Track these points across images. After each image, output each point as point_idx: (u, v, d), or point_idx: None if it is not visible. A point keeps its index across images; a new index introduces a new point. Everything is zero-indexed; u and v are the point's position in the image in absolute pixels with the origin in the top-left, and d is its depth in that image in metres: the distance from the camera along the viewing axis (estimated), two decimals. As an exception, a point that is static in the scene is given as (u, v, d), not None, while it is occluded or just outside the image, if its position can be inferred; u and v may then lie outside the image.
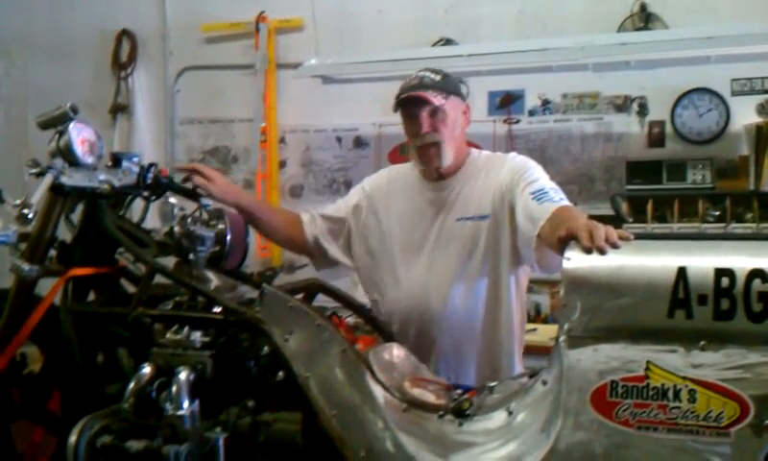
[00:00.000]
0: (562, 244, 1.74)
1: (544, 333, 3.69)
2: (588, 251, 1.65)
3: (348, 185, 4.51)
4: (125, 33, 4.94)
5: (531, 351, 2.59)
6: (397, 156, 4.38)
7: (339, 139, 4.64)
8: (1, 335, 2.11)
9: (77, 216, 2.20)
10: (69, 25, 5.02)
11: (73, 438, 1.77)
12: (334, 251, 2.56)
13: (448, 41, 4.36)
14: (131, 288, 2.23)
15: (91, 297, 2.24)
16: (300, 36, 4.65)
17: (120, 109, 4.90)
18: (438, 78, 2.38)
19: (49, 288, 2.13)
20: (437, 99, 2.31)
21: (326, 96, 4.54)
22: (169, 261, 2.12)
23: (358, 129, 4.59)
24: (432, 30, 4.40)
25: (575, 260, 1.66)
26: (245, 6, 4.65)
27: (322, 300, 2.26)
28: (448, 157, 2.37)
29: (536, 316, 3.93)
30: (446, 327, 2.34)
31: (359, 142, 4.60)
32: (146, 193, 2.29)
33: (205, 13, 4.79)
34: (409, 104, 2.34)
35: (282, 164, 4.74)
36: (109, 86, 4.93)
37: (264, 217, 2.53)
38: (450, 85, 2.40)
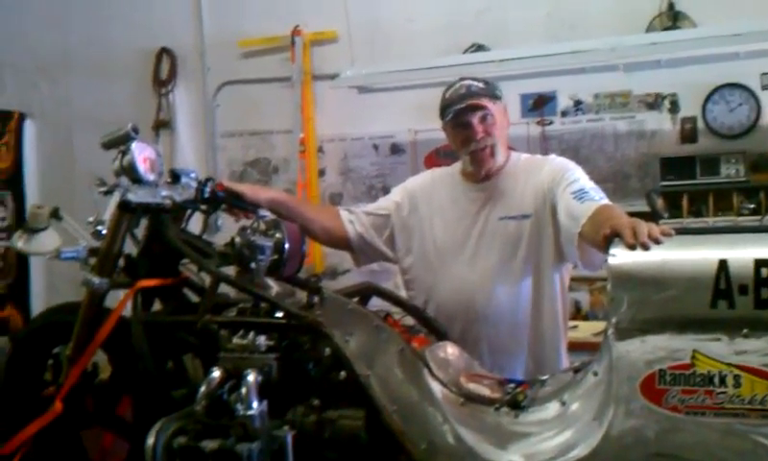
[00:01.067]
0: (606, 242, 1.82)
1: (585, 330, 3.77)
2: (633, 247, 1.74)
3: (387, 191, 4.55)
4: (164, 50, 5.11)
5: (573, 347, 2.66)
6: (434, 160, 4.48)
7: (376, 147, 4.75)
8: (74, 346, 2.25)
9: (140, 231, 2.34)
10: (109, 44, 5.19)
11: (151, 440, 1.87)
12: (379, 244, 2.63)
13: (479, 47, 4.45)
14: (193, 298, 2.36)
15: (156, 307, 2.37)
16: (334, 47, 4.76)
17: (162, 126, 5.06)
18: (482, 85, 2.49)
19: (118, 300, 2.27)
20: (489, 104, 2.44)
21: (362, 105, 4.67)
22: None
23: (394, 136, 4.70)
24: (462, 36, 4.49)
25: (620, 257, 1.74)
26: (280, 20, 4.78)
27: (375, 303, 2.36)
28: (501, 157, 2.50)
29: (576, 313, 4.01)
30: (492, 324, 2.42)
31: (395, 149, 4.71)
32: (204, 207, 2.41)
33: (242, 29, 4.93)
34: (461, 113, 2.44)
35: (321, 173, 4.87)
36: (151, 103, 5.09)
37: (300, 210, 2.59)
38: (493, 90, 2.51)
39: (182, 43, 5.11)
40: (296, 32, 4.76)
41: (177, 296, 2.34)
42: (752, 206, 3.82)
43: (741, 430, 1.57)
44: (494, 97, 2.49)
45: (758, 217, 3.74)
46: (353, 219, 2.65)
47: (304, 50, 4.78)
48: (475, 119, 2.44)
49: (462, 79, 2.53)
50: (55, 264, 5.04)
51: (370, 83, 4.51)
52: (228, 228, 2.40)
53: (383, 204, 2.70)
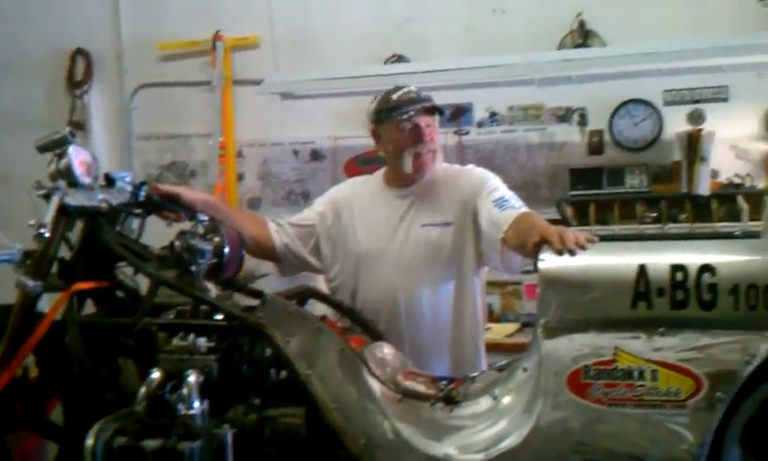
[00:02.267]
0: (536, 248, 1.95)
1: (498, 331, 3.95)
2: (560, 253, 1.87)
3: (306, 197, 4.70)
4: (79, 51, 5.02)
5: (487, 348, 2.77)
6: (353, 167, 4.58)
7: (296, 152, 4.80)
8: (6, 348, 2.22)
9: (75, 234, 2.33)
10: (24, 44, 5.08)
11: (90, 441, 1.87)
12: (305, 254, 2.68)
13: (400, 57, 4.58)
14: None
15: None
16: (255, 53, 4.81)
17: (76, 127, 4.95)
18: (426, 94, 2.61)
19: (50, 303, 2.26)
20: (435, 120, 2.59)
21: (283, 111, 4.71)
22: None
23: (314, 142, 4.76)
24: (384, 46, 4.60)
25: (549, 261, 1.87)
26: (201, 24, 4.79)
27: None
28: (439, 163, 2.62)
29: (489, 316, 4.16)
30: (415, 326, 2.51)
31: (316, 155, 4.77)
32: (139, 210, 2.42)
33: (161, 32, 4.90)
34: (417, 113, 2.53)
35: (240, 177, 4.89)
36: (65, 104, 5.00)
37: (231, 216, 2.60)
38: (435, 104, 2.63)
39: (99, 44, 5.04)
40: (217, 36, 4.78)
41: (110, 299, 2.34)
42: (654, 214, 4.06)
43: (658, 420, 1.72)
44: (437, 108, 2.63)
45: (659, 225, 3.99)
46: (279, 230, 2.69)
47: (225, 55, 4.79)
48: (424, 123, 2.54)
49: (402, 86, 2.63)
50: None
51: (293, 90, 4.56)
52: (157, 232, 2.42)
53: (308, 214, 2.75)
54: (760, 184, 4.10)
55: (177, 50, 4.90)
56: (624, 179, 4.22)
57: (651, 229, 3.98)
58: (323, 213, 2.70)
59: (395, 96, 2.58)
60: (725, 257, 1.74)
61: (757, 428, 1.76)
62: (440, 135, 4.32)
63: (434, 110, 2.59)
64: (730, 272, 1.71)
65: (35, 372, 2.38)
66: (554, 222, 2.18)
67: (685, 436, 1.70)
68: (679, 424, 1.70)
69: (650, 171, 4.21)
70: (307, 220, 2.72)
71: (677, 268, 1.73)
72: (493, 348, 3.00)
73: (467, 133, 4.55)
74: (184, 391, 1.91)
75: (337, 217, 2.68)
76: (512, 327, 4.13)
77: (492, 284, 4.14)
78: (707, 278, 1.71)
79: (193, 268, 2.14)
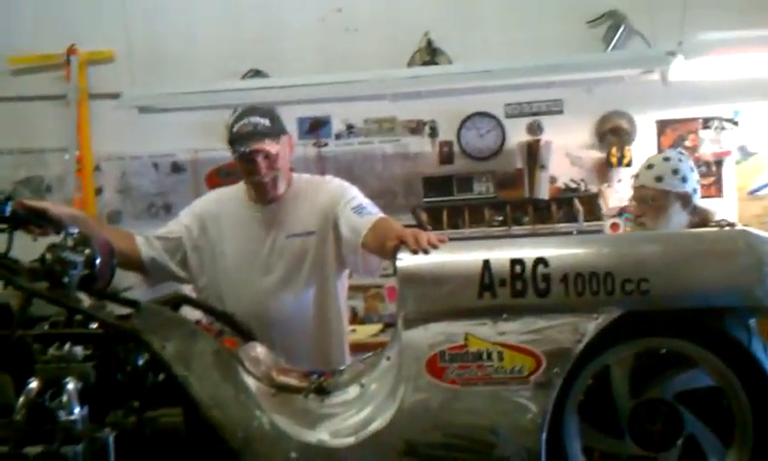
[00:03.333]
0: (394, 249, 2.14)
1: (363, 332, 4.14)
2: (416, 252, 2.07)
3: (168, 209, 4.74)
4: None
5: (354, 348, 2.96)
6: (214, 179, 4.65)
7: (156, 165, 4.83)
8: None
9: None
10: None
11: (-32, 452, 1.92)
12: (173, 267, 2.75)
13: (257, 72, 4.70)
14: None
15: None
16: (111, 66, 4.81)
17: None
18: (268, 122, 2.66)
19: None
20: (273, 147, 2.63)
21: (142, 124, 4.72)
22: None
23: (174, 155, 4.81)
24: (241, 61, 4.73)
25: (406, 260, 2.06)
26: (54, 38, 4.74)
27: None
28: (282, 187, 2.72)
29: (353, 318, 4.35)
30: (283, 329, 2.65)
31: (176, 167, 4.81)
32: (5, 225, 2.43)
33: (12, 45, 4.81)
34: (252, 146, 2.60)
35: (99, 191, 4.85)
36: None
37: (98, 230, 2.58)
38: (278, 127, 2.70)
39: (-56, 57, 4.86)
40: (71, 50, 4.73)
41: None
42: (500, 218, 4.39)
43: (506, 395, 1.93)
44: (278, 134, 2.68)
45: (506, 227, 4.31)
46: (146, 243, 2.74)
47: (80, 69, 4.75)
48: (259, 157, 2.62)
49: (251, 110, 2.69)
50: None
51: (152, 103, 4.57)
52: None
53: (174, 227, 2.80)
54: (594, 188, 4.51)
55: (29, 64, 4.81)
56: (473, 186, 4.54)
57: (498, 231, 4.29)
58: (189, 226, 2.78)
59: (235, 128, 2.65)
60: (556, 251, 1.98)
61: (593, 399, 2.00)
62: (299, 147, 4.62)
63: (277, 136, 2.66)
64: (560, 263, 1.95)
65: None
66: (411, 227, 2.40)
67: (530, 408, 1.91)
68: (523, 397, 1.92)
69: (495, 178, 4.54)
70: (173, 233, 2.78)
71: (515, 262, 1.95)
72: (359, 347, 3.16)
73: (325, 145, 4.73)
74: (64, 398, 1.96)
75: (203, 230, 2.76)
76: (375, 327, 4.34)
77: (355, 288, 4.32)
78: (541, 269, 1.94)
79: (65, 279, 2.17)
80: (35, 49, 4.80)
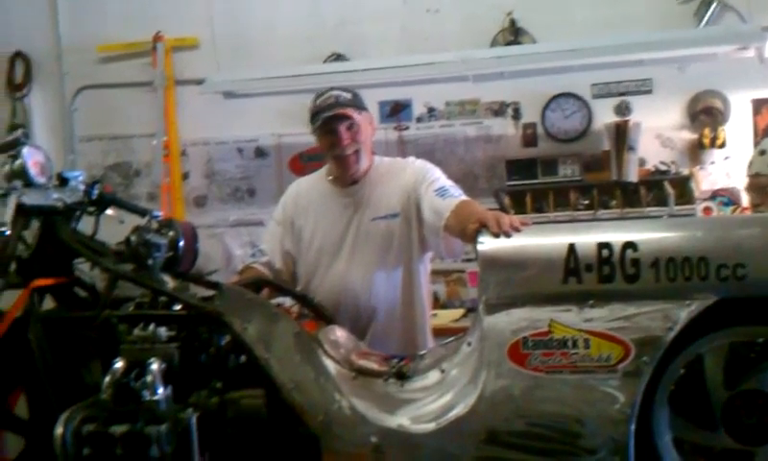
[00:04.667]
0: (475, 233, 2.09)
1: (444, 317, 4.10)
2: (497, 235, 2.02)
3: (252, 193, 4.80)
4: (18, 54, 5.00)
5: (435, 332, 2.92)
6: (297, 164, 4.68)
7: (240, 150, 4.88)
8: (-34, 348, 2.27)
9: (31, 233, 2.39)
10: (-40, 48, 5.03)
11: (60, 429, 1.95)
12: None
13: (339, 56, 4.69)
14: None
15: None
16: (196, 53, 4.86)
17: (17, 130, 4.93)
18: (349, 96, 2.68)
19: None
20: (355, 116, 2.63)
21: (226, 110, 4.78)
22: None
23: (258, 140, 4.85)
24: (323, 45, 4.71)
25: (487, 244, 2.02)
26: (140, 26, 4.82)
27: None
28: (365, 162, 2.70)
29: (435, 303, 4.31)
30: (374, 312, 2.64)
31: (260, 152, 4.86)
32: (92, 208, 2.49)
33: (101, 34, 4.92)
34: (329, 121, 2.62)
35: (185, 176, 4.94)
36: (5, 108, 4.96)
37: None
38: (360, 102, 2.71)
39: (38, 47, 5.03)
40: (157, 37, 4.82)
41: (69, 295, 2.41)
42: (586, 202, 4.27)
43: (591, 384, 1.87)
44: (360, 108, 2.69)
45: (592, 212, 4.20)
46: (272, 265, 2.74)
47: (166, 55, 4.83)
48: (342, 127, 2.62)
49: (331, 88, 2.72)
50: None
51: (235, 89, 4.63)
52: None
53: (268, 236, 2.83)
54: (685, 171, 4.35)
55: (117, 51, 4.93)
56: (557, 168, 4.42)
57: (584, 215, 4.18)
58: (280, 223, 2.81)
59: (317, 101, 2.67)
60: (646, 235, 1.91)
61: (685, 389, 1.92)
62: (380, 131, 4.59)
63: (359, 109, 2.66)
64: (650, 247, 1.87)
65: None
66: (493, 211, 2.34)
67: (617, 398, 1.85)
68: (611, 387, 1.86)
69: (581, 160, 4.41)
70: (275, 235, 2.80)
71: (603, 246, 1.89)
72: (441, 332, 3.12)
73: (406, 129, 4.69)
74: (148, 378, 2.00)
75: (291, 224, 2.78)
76: (457, 312, 4.29)
77: (437, 273, 4.32)
78: (630, 253, 1.87)
79: (149, 261, 2.22)
80: (122, 37, 4.90)
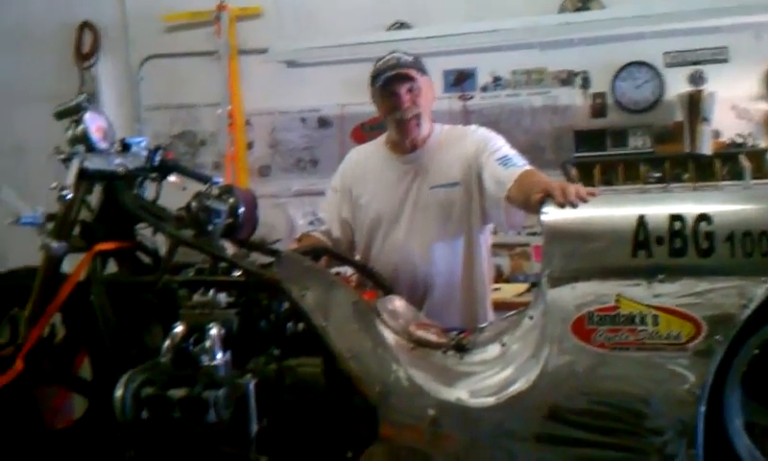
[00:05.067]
0: (539, 203, 2.02)
1: (508, 291, 4.03)
2: (563, 205, 1.95)
3: (315, 163, 4.79)
4: (86, 24, 5.06)
5: (497, 307, 2.87)
6: (360, 134, 4.64)
7: (303, 120, 4.86)
8: (33, 308, 2.31)
9: (94, 197, 2.41)
10: (30, 18, 5.11)
11: (120, 391, 1.97)
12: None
13: (402, 24, 4.62)
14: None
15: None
16: (259, 22, 4.84)
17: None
18: (411, 59, 2.63)
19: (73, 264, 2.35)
20: (417, 77, 2.57)
21: (289, 79, 4.76)
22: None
23: (321, 109, 4.82)
24: (386, 13, 4.64)
25: (552, 214, 1.95)
26: (205, -5, 4.83)
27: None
28: (425, 127, 2.64)
29: (498, 277, 4.24)
30: (432, 284, 2.60)
31: (323, 122, 4.83)
32: (154, 174, 2.51)
33: (166, 3, 4.94)
34: (390, 82, 2.57)
35: (249, 146, 4.95)
36: (73, 77, 5.04)
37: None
38: (421, 65, 2.65)
39: (105, 17, 5.07)
40: (221, 7, 4.81)
41: (131, 259, 2.43)
42: (657, 175, 4.12)
43: (659, 362, 1.79)
44: (422, 70, 2.64)
45: (663, 185, 4.05)
46: (330, 233, 2.73)
47: (230, 24, 4.83)
48: (403, 89, 2.57)
49: (392, 51, 2.67)
50: (3, 233, 4.99)
51: (299, 57, 4.61)
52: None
53: (325, 205, 2.82)
54: (762, 143, 4.16)
55: (182, 20, 4.94)
56: (627, 140, 4.27)
57: (654, 188, 4.04)
58: (337, 191, 2.79)
59: (379, 63, 2.63)
60: (721, 207, 1.81)
61: (759, 371, 1.84)
62: (444, 101, 4.52)
63: (420, 71, 2.61)
64: (725, 220, 1.78)
65: (62, 331, 2.48)
66: (559, 182, 2.26)
67: (687, 377, 1.77)
68: (680, 365, 1.77)
69: (653, 132, 4.25)
70: (332, 204, 2.79)
71: (675, 217, 1.81)
72: (503, 306, 3.06)
73: (471, 98, 4.60)
74: (207, 343, 2.01)
75: (348, 192, 2.76)
76: (521, 287, 4.21)
77: (500, 246, 4.25)
78: (703, 226, 1.79)
79: (209, 227, 2.22)
80: (187, 6, 4.91)
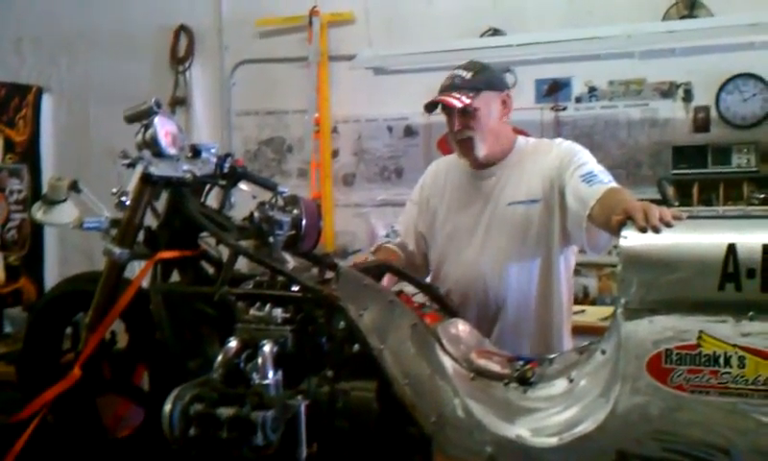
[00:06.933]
0: (619, 225, 1.86)
1: (593, 314, 3.81)
2: (644, 230, 1.78)
3: (400, 173, 4.70)
4: (182, 28, 5.16)
5: (580, 331, 2.71)
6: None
7: (390, 129, 4.79)
8: (94, 314, 2.31)
9: (160, 204, 2.38)
10: (128, 21, 5.25)
11: (168, 406, 1.91)
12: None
13: (496, 31, 4.48)
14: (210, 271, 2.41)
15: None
16: (351, 28, 4.81)
17: (179, 103, 5.11)
18: (469, 76, 2.45)
19: (137, 271, 2.32)
20: (460, 101, 2.39)
21: (377, 86, 4.72)
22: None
23: (408, 118, 4.74)
24: (479, 20, 4.52)
25: (632, 239, 1.78)
26: (297, 1, 4.82)
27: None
28: (482, 149, 2.47)
29: (584, 298, 4.05)
30: (504, 306, 2.45)
31: (409, 131, 4.75)
32: (223, 182, 2.46)
33: (259, 9, 4.98)
34: (439, 105, 2.46)
35: (335, 153, 4.92)
36: (168, 80, 5.14)
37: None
38: (482, 81, 2.45)
39: (201, 21, 5.16)
40: (313, 12, 4.81)
41: (194, 268, 2.39)
42: (762, 195, 3.84)
43: (744, 410, 1.61)
44: (481, 89, 2.44)
45: (766, 207, 3.77)
46: (405, 247, 2.66)
47: (321, 31, 4.82)
48: (455, 111, 2.43)
49: (457, 67, 2.52)
50: (68, 236, 5.12)
51: (387, 64, 4.55)
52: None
53: (403, 218, 2.74)
54: None
55: (274, 26, 4.96)
56: (731, 157, 4.01)
57: (758, 210, 3.76)
58: (418, 204, 2.70)
59: (442, 82, 2.51)
60: (824, 238, 1.61)
61: None
62: (535, 111, 4.35)
63: (476, 90, 2.42)
64: (829, 253, 1.58)
65: (125, 339, 2.47)
66: (655, 202, 2.07)
67: (776, 429, 1.59)
68: (767, 414, 1.59)
69: (759, 149, 3.97)
70: (410, 216, 2.71)
71: (769, 248, 1.62)
72: (586, 330, 2.92)
73: (564, 109, 4.42)
74: (259, 361, 1.94)
75: (426, 204, 2.66)
76: (607, 310, 3.98)
77: (588, 266, 4.06)
78: (803, 259, 1.59)
79: (271, 239, 2.16)
80: (280, 12, 4.92)
